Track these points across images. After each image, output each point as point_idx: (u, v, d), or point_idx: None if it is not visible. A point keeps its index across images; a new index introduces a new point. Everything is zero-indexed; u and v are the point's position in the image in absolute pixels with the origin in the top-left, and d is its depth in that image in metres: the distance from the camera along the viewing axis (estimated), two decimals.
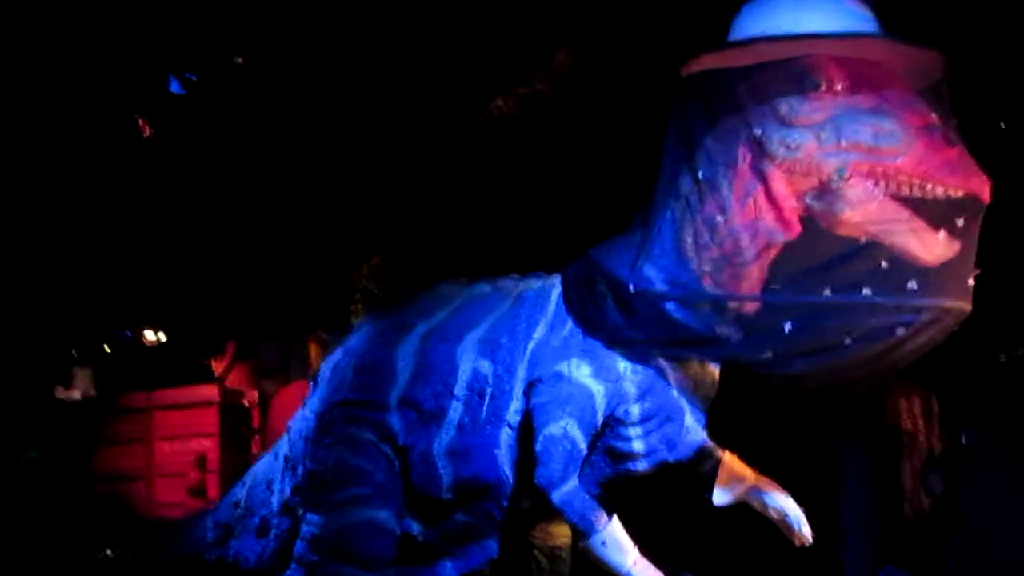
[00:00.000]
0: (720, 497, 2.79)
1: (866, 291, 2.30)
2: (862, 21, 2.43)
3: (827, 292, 2.31)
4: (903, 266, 2.30)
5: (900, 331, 2.32)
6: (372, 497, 2.63)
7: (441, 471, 2.60)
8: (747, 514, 2.84)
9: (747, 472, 2.83)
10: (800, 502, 2.70)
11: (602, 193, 4.34)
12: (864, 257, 2.32)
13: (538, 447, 2.47)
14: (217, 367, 9.19)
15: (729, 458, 2.85)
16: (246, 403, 5.75)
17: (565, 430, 2.46)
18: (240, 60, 4.67)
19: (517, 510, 2.70)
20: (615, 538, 2.46)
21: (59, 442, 5.36)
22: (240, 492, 3.23)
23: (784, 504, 2.74)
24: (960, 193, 2.27)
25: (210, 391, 5.56)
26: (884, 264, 2.30)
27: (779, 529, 2.76)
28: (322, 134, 5.36)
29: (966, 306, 2.36)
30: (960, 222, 2.28)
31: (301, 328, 7.37)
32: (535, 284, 2.80)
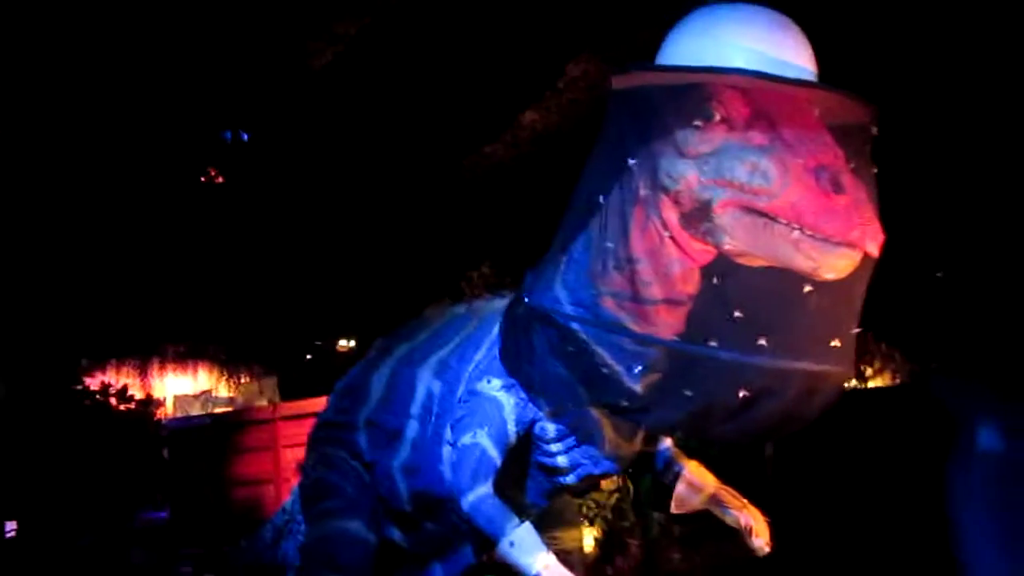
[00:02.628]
0: (679, 505, 2.84)
1: (711, 343, 2.20)
2: (786, 49, 2.27)
3: (674, 336, 2.26)
4: (757, 319, 2.18)
5: (742, 393, 2.19)
6: (344, 509, 2.89)
7: (399, 485, 2.82)
8: None
9: (708, 481, 2.87)
10: None
11: None
12: (717, 303, 2.21)
13: (454, 458, 2.60)
14: None
15: (693, 467, 2.89)
16: None
17: (476, 440, 2.56)
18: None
19: None
20: (524, 540, 2.47)
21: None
22: (289, 499, 3.61)
23: (740, 514, 2.76)
24: (839, 245, 2.10)
25: (325, 401, 6.03)
26: (738, 314, 2.17)
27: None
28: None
29: (830, 369, 2.21)
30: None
31: None
32: (499, 305, 2.93)
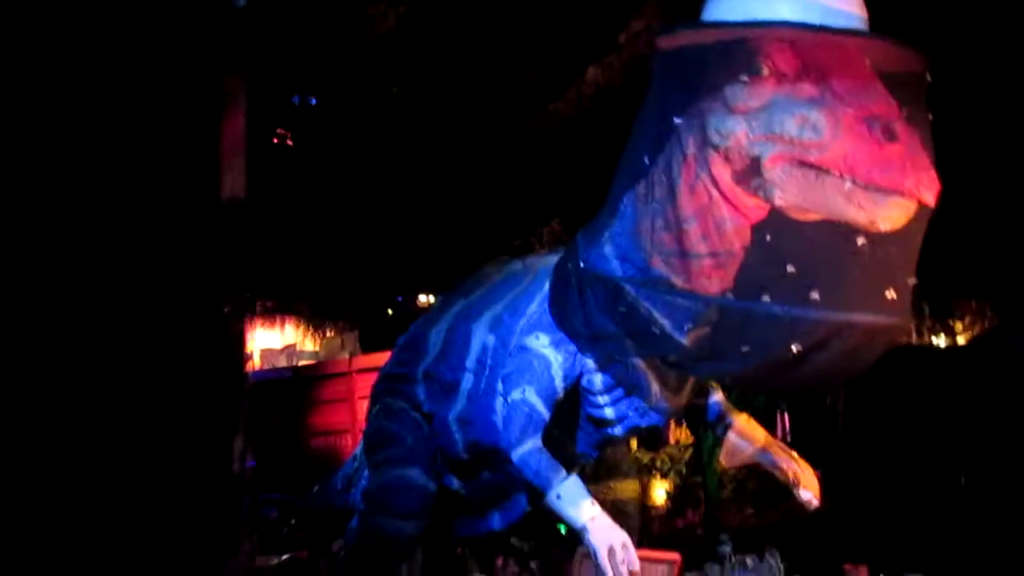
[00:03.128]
0: (728, 457, 2.87)
1: (764, 297, 2.19)
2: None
3: (725, 292, 2.27)
4: (809, 273, 2.17)
5: (796, 347, 2.18)
6: (404, 458, 3.00)
7: (456, 435, 2.91)
8: None
9: (758, 434, 2.88)
10: None
11: None
12: (769, 258, 2.21)
13: (504, 412, 2.67)
14: None
15: (743, 421, 2.91)
16: None
17: (524, 396, 2.63)
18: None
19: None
20: (570, 492, 2.53)
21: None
22: (358, 449, 3.76)
23: (790, 467, 2.76)
24: (892, 194, 2.09)
25: None
26: (790, 269, 2.17)
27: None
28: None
29: (882, 320, 2.18)
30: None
31: None
32: (552, 260, 2.97)
